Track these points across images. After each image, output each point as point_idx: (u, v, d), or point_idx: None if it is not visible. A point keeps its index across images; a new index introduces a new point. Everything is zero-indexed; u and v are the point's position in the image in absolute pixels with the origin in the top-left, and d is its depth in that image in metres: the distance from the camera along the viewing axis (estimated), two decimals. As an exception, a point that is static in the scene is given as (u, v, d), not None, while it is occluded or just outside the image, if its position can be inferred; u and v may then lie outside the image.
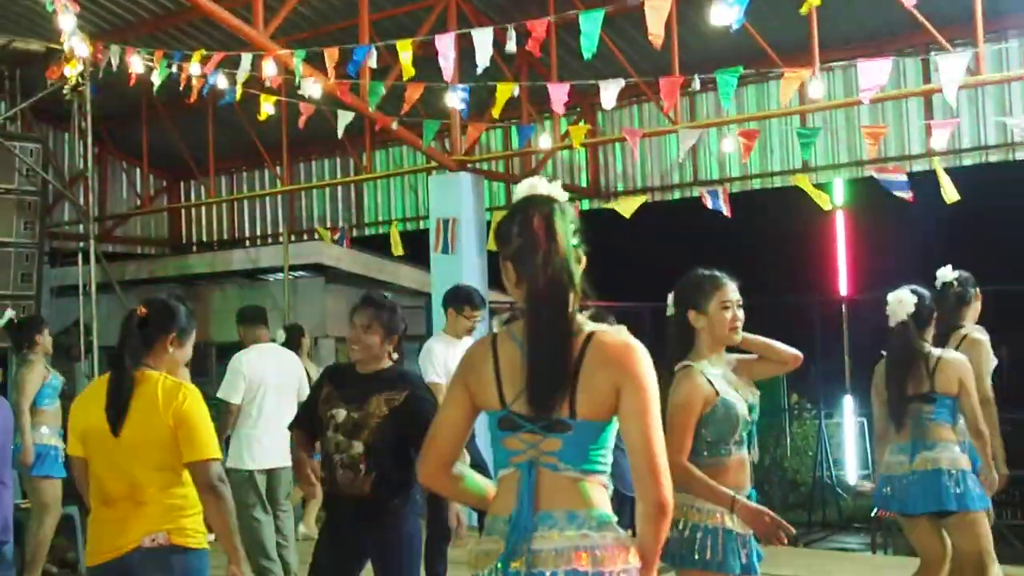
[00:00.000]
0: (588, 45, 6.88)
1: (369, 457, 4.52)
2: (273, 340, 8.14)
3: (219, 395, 7.04)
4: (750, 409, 3.91)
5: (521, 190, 2.71)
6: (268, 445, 7.01)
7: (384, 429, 4.53)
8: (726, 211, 9.21)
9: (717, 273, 4.03)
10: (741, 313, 3.97)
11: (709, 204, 9.22)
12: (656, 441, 2.53)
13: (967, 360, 5.30)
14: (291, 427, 4.97)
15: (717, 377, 3.91)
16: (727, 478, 3.81)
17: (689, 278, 4.04)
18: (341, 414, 4.59)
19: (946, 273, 6.09)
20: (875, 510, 5.40)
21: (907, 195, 8.35)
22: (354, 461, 4.54)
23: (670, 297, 4.09)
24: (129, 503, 3.82)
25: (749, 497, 3.83)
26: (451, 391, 2.76)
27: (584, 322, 2.62)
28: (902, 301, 5.31)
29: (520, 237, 2.62)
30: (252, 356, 7.20)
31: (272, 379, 7.12)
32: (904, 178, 8.36)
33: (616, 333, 2.62)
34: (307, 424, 4.82)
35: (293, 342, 8.73)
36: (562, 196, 2.70)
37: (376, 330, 4.61)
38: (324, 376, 4.88)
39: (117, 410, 3.79)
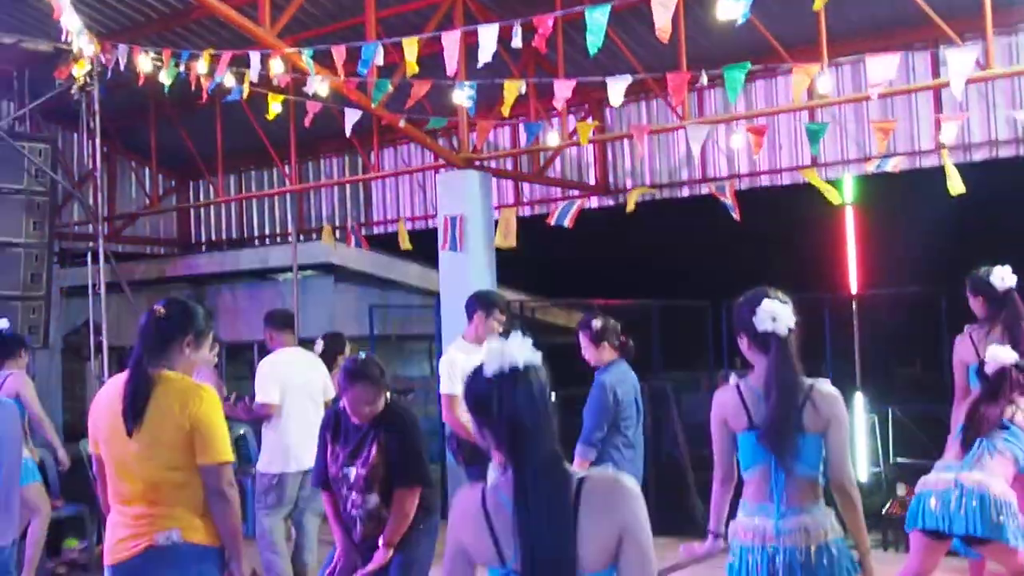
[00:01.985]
0: (594, 40, 6.85)
1: (387, 505, 4.79)
2: (305, 346, 8.17)
3: (257, 400, 7.15)
4: None
5: (493, 359, 2.55)
6: (298, 448, 7.06)
7: (390, 475, 4.79)
8: (735, 213, 9.19)
9: None
10: None
11: (727, 201, 9.23)
12: None
13: None
14: (319, 486, 5.15)
15: None
16: None
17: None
18: (352, 472, 4.81)
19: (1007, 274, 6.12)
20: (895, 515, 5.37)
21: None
22: (374, 513, 4.81)
23: (790, 311, 3.96)
24: (144, 502, 3.84)
25: None
26: (448, 551, 2.68)
27: (571, 469, 2.57)
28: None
29: (502, 416, 2.51)
30: (279, 359, 7.32)
31: (299, 382, 7.22)
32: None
33: (605, 475, 2.60)
34: (328, 481, 4.99)
35: (332, 353, 8.48)
36: (535, 357, 2.58)
37: (379, 396, 4.82)
38: (326, 429, 5.03)
39: (134, 411, 3.81)
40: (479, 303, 6.86)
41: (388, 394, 4.93)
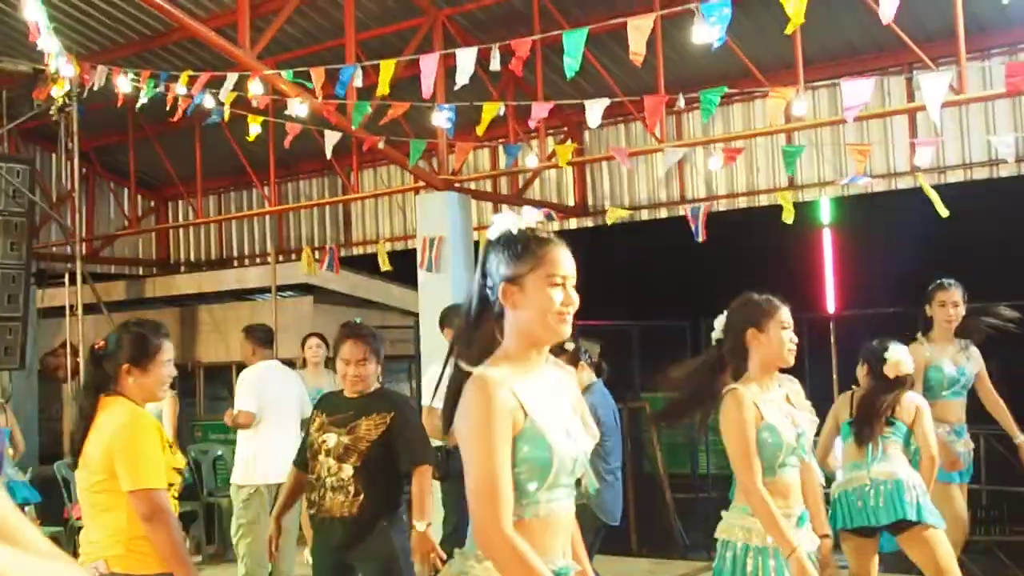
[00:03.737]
0: (571, 64, 6.91)
1: (358, 480, 4.71)
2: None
3: (237, 407, 7.27)
4: (799, 436, 4.03)
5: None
6: (273, 460, 7.13)
7: (373, 452, 4.73)
8: (700, 236, 9.21)
9: (772, 297, 4.11)
10: (795, 337, 4.07)
11: (692, 226, 9.25)
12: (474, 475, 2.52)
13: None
14: (297, 465, 5.15)
15: (767, 401, 4.03)
16: (774, 500, 3.98)
17: (747, 300, 4.13)
18: (332, 439, 4.78)
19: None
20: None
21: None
22: (343, 484, 4.73)
23: (720, 321, 4.17)
24: (89, 527, 3.89)
25: (800, 518, 3.98)
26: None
27: None
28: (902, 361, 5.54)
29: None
30: (260, 371, 7.48)
31: (277, 395, 7.38)
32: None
33: None
34: (306, 460, 4.98)
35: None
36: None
37: (371, 360, 4.86)
38: (317, 406, 5.07)
39: (80, 435, 3.87)
40: (445, 320, 6.98)
41: (380, 376, 4.98)
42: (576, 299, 2.70)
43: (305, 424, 7.52)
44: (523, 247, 2.70)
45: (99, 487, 3.82)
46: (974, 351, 6.47)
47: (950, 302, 6.40)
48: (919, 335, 6.51)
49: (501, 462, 2.51)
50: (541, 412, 2.61)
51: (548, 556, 2.61)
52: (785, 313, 4.06)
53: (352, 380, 4.85)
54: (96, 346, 4.02)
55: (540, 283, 2.65)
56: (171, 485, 3.95)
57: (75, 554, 4.07)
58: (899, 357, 5.49)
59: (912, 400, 5.51)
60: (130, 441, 3.79)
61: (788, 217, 8.94)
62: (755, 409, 3.97)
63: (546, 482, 2.59)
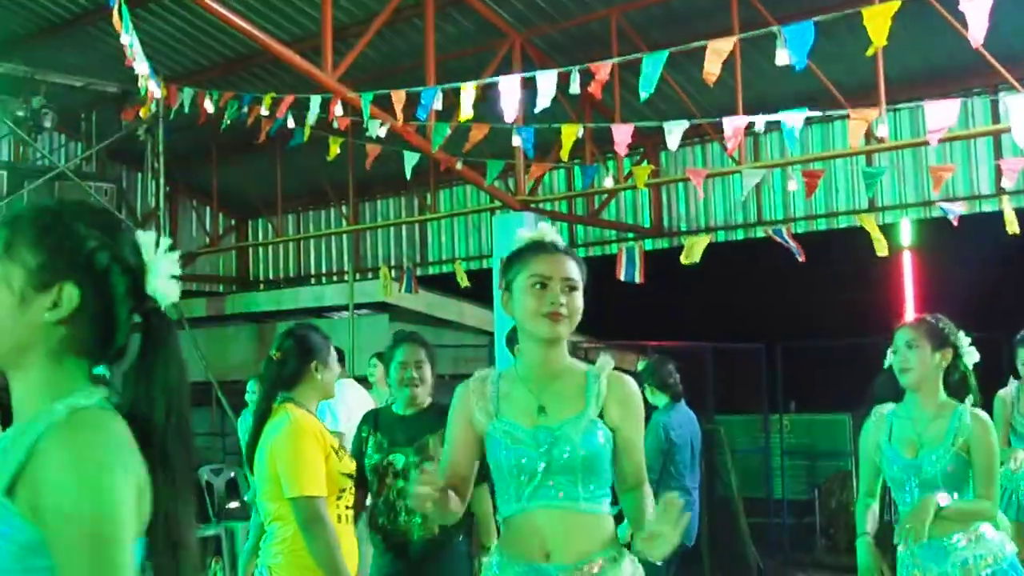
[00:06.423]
0: (646, 85, 6.91)
1: None
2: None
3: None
4: (918, 460, 3.86)
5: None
6: None
7: None
8: (799, 254, 8.97)
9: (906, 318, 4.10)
10: (905, 356, 3.90)
11: (782, 241, 9.04)
12: None
13: None
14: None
15: (899, 421, 3.94)
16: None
17: None
18: (399, 460, 4.58)
19: None
20: None
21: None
22: None
23: None
24: (265, 535, 3.92)
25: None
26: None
27: None
28: None
29: None
30: (349, 388, 7.47)
31: (360, 412, 7.36)
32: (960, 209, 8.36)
33: None
34: (362, 478, 4.67)
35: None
36: None
37: (427, 364, 4.68)
38: (366, 423, 4.79)
39: (253, 442, 3.93)
40: (507, 341, 6.88)
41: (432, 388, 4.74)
42: (563, 300, 2.74)
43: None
44: (513, 256, 2.86)
45: (266, 495, 3.84)
46: None
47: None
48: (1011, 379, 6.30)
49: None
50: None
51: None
52: (898, 334, 3.98)
53: (414, 384, 4.63)
54: (275, 356, 4.06)
55: (523, 286, 2.77)
56: (343, 491, 3.94)
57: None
58: None
59: None
60: (290, 447, 3.79)
61: (881, 250, 8.66)
62: (878, 431, 4.03)
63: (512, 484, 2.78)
